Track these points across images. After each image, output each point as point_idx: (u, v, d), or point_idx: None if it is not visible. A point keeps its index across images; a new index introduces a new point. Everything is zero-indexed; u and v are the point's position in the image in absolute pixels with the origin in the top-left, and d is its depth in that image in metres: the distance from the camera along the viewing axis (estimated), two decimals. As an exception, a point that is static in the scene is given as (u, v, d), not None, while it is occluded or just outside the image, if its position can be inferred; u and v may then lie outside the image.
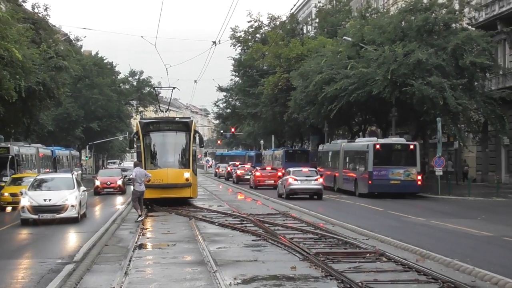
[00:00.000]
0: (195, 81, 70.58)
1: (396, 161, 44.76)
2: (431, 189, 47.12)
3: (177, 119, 42.11)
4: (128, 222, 29.00)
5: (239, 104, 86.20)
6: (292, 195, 42.53)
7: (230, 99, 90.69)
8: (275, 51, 70.31)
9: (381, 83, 45.93)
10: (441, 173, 45.81)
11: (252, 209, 34.62)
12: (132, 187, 31.30)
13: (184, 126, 37.74)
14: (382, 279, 14.83)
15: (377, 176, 43.60)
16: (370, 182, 43.94)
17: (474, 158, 56.70)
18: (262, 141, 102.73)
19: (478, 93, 47.88)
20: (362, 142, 49.04)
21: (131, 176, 32.87)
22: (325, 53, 55.96)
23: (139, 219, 28.83)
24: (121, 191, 50.20)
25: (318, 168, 51.12)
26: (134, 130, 39.03)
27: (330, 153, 55.28)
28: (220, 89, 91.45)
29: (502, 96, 46.01)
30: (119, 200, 44.15)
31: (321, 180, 43.31)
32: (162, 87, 47.88)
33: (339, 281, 14.62)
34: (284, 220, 28.51)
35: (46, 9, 53.90)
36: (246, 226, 25.60)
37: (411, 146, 45.00)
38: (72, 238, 24.35)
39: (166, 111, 50.32)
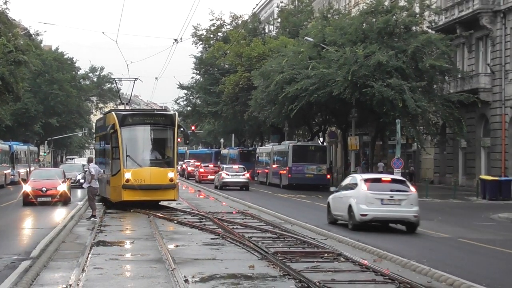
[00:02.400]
0: (156, 78, 70.33)
1: (311, 159, 54.42)
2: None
3: (158, 112, 38.47)
4: (86, 219, 28.76)
5: (199, 102, 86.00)
6: (225, 186, 51.68)
7: (191, 97, 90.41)
8: (237, 50, 70.28)
9: (341, 84, 46.15)
10: (399, 175, 46.08)
11: (211, 207, 34.60)
12: (87, 185, 29.38)
13: (168, 119, 33.50)
14: (339, 279, 14.89)
15: (295, 171, 53.22)
16: (289, 175, 53.77)
17: (432, 160, 57.22)
18: (222, 140, 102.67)
19: (437, 96, 48.38)
20: (285, 144, 58.15)
21: (91, 173, 29.49)
22: (287, 53, 56.05)
23: (93, 219, 27.95)
24: (64, 200, 35.64)
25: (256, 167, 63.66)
26: (109, 122, 33.79)
27: (264, 154, 65.34)
28: (181, 87, 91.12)
29: (460, 99, 46.49)
30: (60, 216, 29.83)
31: (247, 175, 53.57)
32: (123, 78, 44.41)
33: (297, 280, 14.65)
34: (243, 219, 28.49)
35: (5, 3, 53.21)
36: (205, 225, 25.55)
37: (323, 148, 57.96)
38: (29, 234, 24.06)
39: (127, 104, 45.54)
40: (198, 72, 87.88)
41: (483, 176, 42.96)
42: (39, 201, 35.00)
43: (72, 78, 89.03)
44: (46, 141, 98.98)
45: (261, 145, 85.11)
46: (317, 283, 14.02)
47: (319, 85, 47.93)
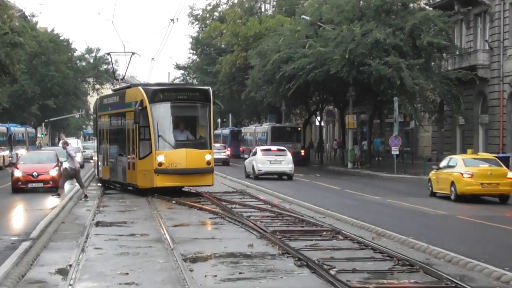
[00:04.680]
0: (153, 58, 70.19)
1: (287, 139, 57.75)
2: (387, 167, 47.59)
3: (192, 86, 35.70)
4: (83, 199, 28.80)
5: (196, 83, 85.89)
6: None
7: (187, 77, 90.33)
8: (233, 30, 70.12)
9: (338, 62, 46.09)
10: (397, 152, 46.30)
11: (210, 187, 34.55)
12: (67, 165, 28.75)
13: (203, 95, 29.91)
14: (338, 256, 14.98)
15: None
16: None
17: (429, 138, 57.24)
18: (219, 120, 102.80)
19: (434, 73, 48.34)
20: (265, 125, 64.74)
21: (71, 155, 28.66)
22: (283, 32, 55.94)
23: (55, 195, 27.56)
24: (56, 185, 31.03)
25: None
26: (132, 99, 30.25)
27: (248, 134, 70.05)
28: (178, 67, 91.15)
29: (458, 76, 46.44)
30: (52, 203, 26.99)
31: (228, 152, 59.31)
32: (120, 52, 41.53)
33: (296, 258, 14.74)
34: (241, 198, 28.58)
35: (0, -16, 53.03)
36: (203, 204, 25.61)
37: (298, 129, 62.62)
38: (28, 216, 24.11)
39: (121, 79, 42.51)
40: (194, 52, 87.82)
41: (481, 153, 42.98)
42: (30, 187, 31.60)
43: (69, 59, 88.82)
44: (43, 123, 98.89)
45: (259, 125, 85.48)
46: (316, 261, 14.11)
47: (316, 64, 47.87)
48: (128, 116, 30.57)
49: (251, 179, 40.03)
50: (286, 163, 41.18)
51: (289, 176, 41.03)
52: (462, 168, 29.13)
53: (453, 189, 29.05)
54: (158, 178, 28.21)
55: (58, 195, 28.03)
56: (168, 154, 28.42)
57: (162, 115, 29.15)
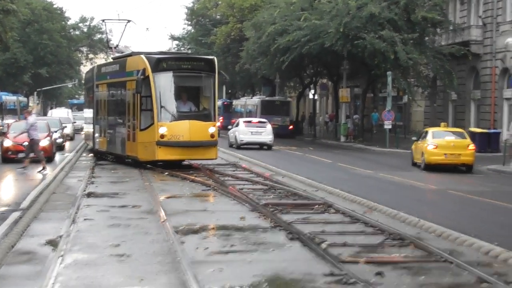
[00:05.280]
0: (147, 28, 69.88)
1: (276, 112, 59.51)
2: (379, 141, 47.66)
3: (196, 56, 33.86)
4: (77, 170, 28.71)
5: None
6: None
7: (182, 48, 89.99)
8: (229, 1, 69.86)
9: (333, 35, 45.96)
10: (390, 127, 46.37)
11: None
12: (34, 138, 27.82)
13: (208, 65, 28.59)
14: (330, 230, 14.97)
15: None
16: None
17: (422, 113, 57.29)
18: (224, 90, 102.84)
19: (428, 48, 48.29)
20: (255, 98, 66.69)
21: (28, 127, 27.90)
22: (279, 4, 55.69)
23: (43, 171, 26.77)
24: (47, 156, 30.78)
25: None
26: (133, 67, 28.91)
27: (239, 106, 70.85)
28: (173, 37, 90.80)
29: (452, 51, 46.42)
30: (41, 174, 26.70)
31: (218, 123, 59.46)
32: (115, 20, 39.66)
33: (288, 231, 14.72)
34: (234, 171, 28.51)
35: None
36: (196, 176, 25.52)
37: (287, 102, 64.23)
38: (18, 186, 24.03)
39: (115, 48, 41.15)
40: (189, 23, 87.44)
41: (473, 129, 43.13)
42: (20, 157, 30.09)
43: (62, 28, 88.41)
44: (35, 92, 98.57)
45: (250, 98, 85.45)
46: (308, 234, 14.10)
47: (311, 36, 47.73)
48: (129, 86, 29.40)
49: (235, 149, 42.20)
50: (266, 134, 43.66)
51: (268, 146, 43.48)
52: (430, 139, 31.67)
53: (423, 159, 31.63)
54: (160, 151, 27.16)
55: (24, 167, 27.27)
56: (170, 125, 27.22)
57: (165, 85, 27.77)
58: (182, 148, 27.50)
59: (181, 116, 27.66)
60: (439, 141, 31.51)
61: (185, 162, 30.02)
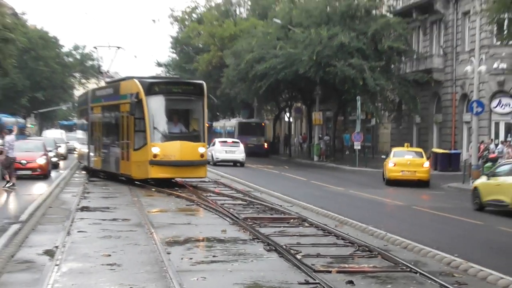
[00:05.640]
0: (135, 56, 69.86)
1: (252, 133, 59.61)
2: (350, 161, 47.80)
3: (187, 80, 34.14)
4: (71, 186, 28.64)
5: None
6: None
7: (167, 74, 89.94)
8: (210, 31, 69.91)
9: (307, 63, 46.15)
10: (359, 147, 46.51)
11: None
12: (10, 156, 27.15)
13: (198, 89, 28.40)
14: (304, 242, 15.04)
15: (241, 142, 51.10)
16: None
17: (389, 134, 57.48)
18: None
19: (394, 75, 48.64)
20: (233, 120, 66.38)
21: (7, 145, 27.49)
22: (256, 34, 55.87)
23: (7, 185, 26.20)
24: (44, 173, 31.55)
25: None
26: (127, 91, 28.56)
27: (218, 127, 70.64)
28: (158, 64, 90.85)
29: (416, 78, 46.73)
30: (40, 189, 26.76)
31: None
32: (107, 46, 39.46)
33: (265, 243, 14.77)
34: (215, 187, 28.52)
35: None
36: (181, 192, 25.52)
37: (262, 124, 63.46)
38: (17, 200, 23.90)
39: (106, 72, 40.61)
40: (174, 51, 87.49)
41: (435, 149, 43.38)
42: (18, 174, 29.57)
43: (57, 55, 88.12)
44: (32, 114, 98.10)
45: (228, 120, 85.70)
46: (284, 246, 14.15)
47: (286, 64, 47.87)
48: (123, 108, 29.05)
49: (211, 166, 40.78)
50: (239, 152, 45.54)
51: (241, 164, 45.06)
52: (391, 158, 33.51)
53: (385, 175, 33.56)
54: (152, 169, 26.82)
55: (13, 184, 26.57)
56: (163, 146, 26.91)
57: (157, 107, 27.51)
58: (174, 167, 27.14)
59: (172, 137, 27.38)
60: (397, 160, 33.00)
61: (172, 180, 29.86)
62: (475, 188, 23.92)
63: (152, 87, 27.59)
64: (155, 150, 26.73)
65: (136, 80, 28.30)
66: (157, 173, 27.01)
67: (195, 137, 27.87)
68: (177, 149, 26.98)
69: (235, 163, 44.79)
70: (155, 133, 27.07)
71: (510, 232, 18.75)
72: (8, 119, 66.00)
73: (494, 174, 23.40)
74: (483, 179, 24.08)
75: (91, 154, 34.56)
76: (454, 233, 18.43)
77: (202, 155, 27.57)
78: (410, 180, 32.35)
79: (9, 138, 28.09)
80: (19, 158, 30.59)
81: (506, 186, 21.97)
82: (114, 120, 30.85)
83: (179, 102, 28.51)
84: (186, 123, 28.61)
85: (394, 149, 36.00)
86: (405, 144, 37.60)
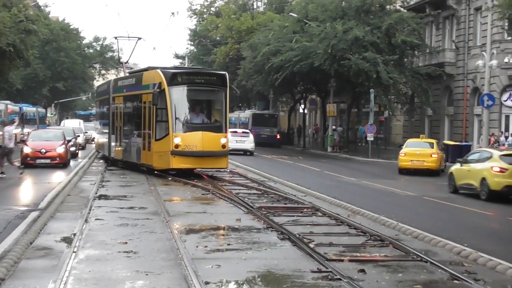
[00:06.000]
0: (154, 48, 69.83)
1: (265, 124, 59.73)
2: (362, 152, 47.66)
3: (210, 71, 32.96)
4: (89, 175, 28.67)
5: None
6: None
7: (185, 66, 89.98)
8: (228, 24, 69.81)
9: (322, 56, 46.00)
10: (372, 139, 46.36)
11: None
12: (8, 146, 27.00)
13: (220, 80, 27.84)
14: (317, 231, 14.98)
15: (255, 132, 53.78)
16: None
17: (401, 126, 57.29)
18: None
19: (407, 68, 48.36)
20: (248, 112, 66.50)
21: (6, 135, 27.30)
22: (273, 27, 55.71)
23: (0, 175, 26.20)
24: (63, 162, 31.57)
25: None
26: (150, 81, 28.09)
27: (233, 118, 67.97)
28: (177, 56, 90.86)
29: (428, 72, 46.48)
30: (59, 177, 26.65)
31: None
32: (127, 37, 38.85)
33: (279, 232, 14.72)
34: (231, 177, 28.47)
35: (16, -24, 52.43)
36: (197, 182, 25.47)
37: (275, 115, 63.58)
38: (36, 188, 23.95)
39: (126, 63, 40.16)
40: (192, 43, 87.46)
41: (446, 141, 43.18)
42: (38, 162, 30.73)
43: (77, 46, 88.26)
44: (53, 104, 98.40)
45: (243, 111, 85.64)
46: (297, 235, 14.10)
47: (301, 57, 47.73)
48: (145, 98, 28.48)
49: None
50: (248, 142, 46.06)
51: (250, 153, 45.72)
52: (404, 148, 34.82)
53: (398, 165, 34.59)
54: (174, 160, 26.21)
55: (3, 173, 26.57)
56: (184, 136, 26.30)
57: (179, 98, 26.92)
58: (195, 158, 26.54)
59: (194, 127, 26.80)
60: (408, 150, 34.20)
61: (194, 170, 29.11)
62: (451, 173, 26.41)
63: (175, 77, 26.99)
64: (177, 140, 26.20)
65: (159, 71, 27.80)
66: (178, 163, 26.39)
67: (217, 128, 27.32)
68: (199, 140, 26.41)
69: (245, 152, 45.10)
70: (177, 124, 26.52)
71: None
72: (29, 109, 66.43)
73: (466, 161, 25.84)
74: (457, 166, 26.29)
75: (112, 144, 34.01)
76: (464, 223, 18.36)
77: (223, 146, 27.00)
78: (419, 169, 33.24)
79: (8, 128, 27.87)
80: (39, 147, 31.02)
81: (474, 171, 24.55)
82: (136, 110, 30.33)
83: (202, 93, 27.89)
84: (208, 114, 28.09)
85: (409, 140, 37.16)
86: (421, 136, 38.90)
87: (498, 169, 23.47)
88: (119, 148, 32.72)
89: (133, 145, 30.19)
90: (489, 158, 24.39)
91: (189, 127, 26.72)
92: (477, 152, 26.69)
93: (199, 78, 27.73)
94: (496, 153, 24.69)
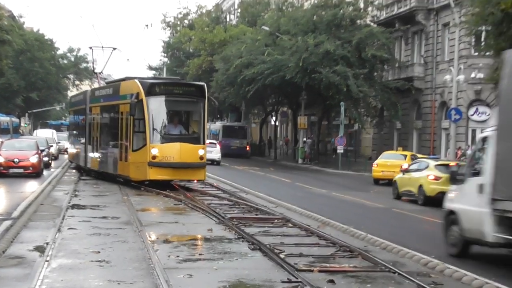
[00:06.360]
0: (128, 59, 69.57)
1: (235, 136, 60.55)
2: (333, 164, 47.83)
3: (188, 82, 31.76)
4: (63, 184, 28.45)
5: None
6: None
7: (163, 76, 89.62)
8: (201, 36, 69.77)
9: (293, 69, 46.19)
10: (342, 151, 46.57)
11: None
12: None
13: (199, 91, 27.17)
14: (288, 242, 15.00)
15: (225, 144, 56.52)
16: (220, 146, 52.72)
17: (370, 139, 57.60)
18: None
19: (377, 82, 48.73)
20: (218, 123, 66.24)
21: None
22: (245, 40, 55.80)
23: None
24: (36, 172, 31.18)
25: None
26: (127, 91, 27.33)
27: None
28: (150, 68, 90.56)
29: (397, 86, 46.86)
30: (32, 187, 26.43)
31: None
32: (103, 47, 38.64)
33: (250, 242, 14.73)
34: (203, 187, 28.37)
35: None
36: (169, 192, 25.33)
37: (244, 127, 64.30)
38: (9, 197, 23.73)
39: (100, 73, 39.69)
40: (165, 55, 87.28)
41: (415, 154, 43.50)
42: (11, 172, 30.48)
43: (52, 57, 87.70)
44: (27, 114, 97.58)
45: (213, 123, 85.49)
46: (268, 245, 14.11)
47: (273, 69, 47.87)
48: (122, 108, 27.74)
49: None
50: (215, 153, 46.47)
51: (217, 162, 46.39)
52: (378, 160, 36.71)
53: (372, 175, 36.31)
54: (151, 171, 25.52)
55: None
56: (162, 147, 25.63)
57: (157, 108, 26.26)
58: (173, 169, 25.91)
59: (172, 138, 26.21)
60: (380, 161, 35.89)
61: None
62: (395, 181, 28.60)
63: (152, 87, 26.40)
64: (154, 151, 25.54)
65: (136, 81, 27.24)
66: (155, 174, 25.70)
67: (195, 139, 26.74)
68: (177, 151, 25.80)
69: (212, 162, 44.26)
70: (154, 134, 25.87)
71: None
72: (3, 118, 65.66)
73: (408, 170, 28.11)
74: (400, 174, 28.67)
75: (89, 154, 33.25)
76: (431, 235, 18.40)
77: (201, 157, 26.34)
78: (389, 179, 33.25)
79: None
80: (12, 156, 30.77)
81: (414, 179, 26.79)
82: (113, 120, 29.65)
83: (180, 104, 27.29)
84: (186, 125, 27.52)
85: (385, 152, 39.07)
86: (399, 148, 41.31)
87: (433, 177, 25.72)
88: (96, 159, 31.98)
89: (110, 156, 29.57)
90: (426, 167, 26.68)
91: (167, 138, 26.15)
92: (417, 162, 28.79)
93: (177, 88, 27.22)
94: (432, 163, 27.04)
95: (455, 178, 15.27)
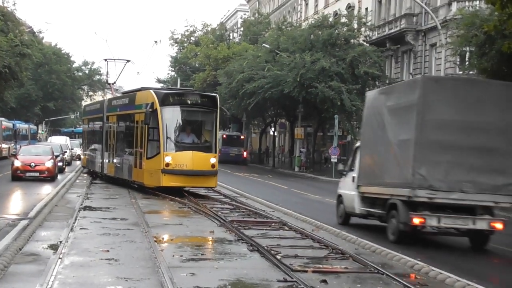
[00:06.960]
0: (138, 72, 69.52)
1: (234, 144, 62.24)
2: (327, 172, 47.83)
3: (201, 92, 31.79)
4: (76, 188, 28.45)
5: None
6: None
7: (177, 87, 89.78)
8: (206, 52, 70.00)
9: (291, 84, 46.30)
10: (335, 160, 46.48)
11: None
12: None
13: (211, 101, 26.64)
14: (284, 244, 14.96)
15: (224, 151, 56.20)
16: (219, 154, 49.79)
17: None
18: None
19: (368, 97, 48.74)
20: (218, 133, 62.11)
21: None
22: (247, 57, 55.97)
23: None
24: (51, 175, 31.23)
25: None
26: (143, 101, 26.92)
27: None
28: (158, 80, 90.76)
29: (388, 101, 46.91)
30: (47, 189, 26.75)
31: None
32: (117, 59, 38.63)
33: (249, 244, 14.69)
34: (206, 192, 28.30)
35: (14, 4, 52.24)
36: (174, 196, 25.28)
37: (241, 137, 65.25)
38: (26, 199, 23.74)
39: (113, 84, 39.37)
40: (173, 69, 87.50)
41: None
42: (27, 175, 30.46)
43: (68, 69, 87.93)
44: (44, 121, 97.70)
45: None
46: (265, 247, 14.08)
47: (272, 84, 47.99)
48: (138, 117, 27.27)
49: None
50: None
51: None
52: None
53: None
54: (164, 178, 24.98)
55: None
56: (175, 155, 25.05)
57: (171, 118, 25.65)
58: (185, 176, 25.28)
59: (185, 147, 25.62)
60: None
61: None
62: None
63: (167, 98, 25.88)
64: (168, 159, 24.98)
65: (151, 91, 26.83)
66: (168, 181, 25.09)
67: (207, 148, 26.11)
68: (189, 159, 25.17)
69: None
70: (168, 143, 25.27)
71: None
72: (22, 126, 65.85)
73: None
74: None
75: (105, 161, 32.73)
76: (417, 239, 18.37)
77: (213, 165, 25.69)
78: None
79: None
80: (29, 161, 30.82)
81: None
82: (129, 128, 29.18)
83: (193, 114, 26.64)
84: (199, 134, 26.81)
85: None
86: None
87: None
88: (112, 165, 31.46)
89: (125, 163, 29.08)
90: None
91: (180, 146, 25.58)
92: None
93: (191, 99, 26.55)
94: None
95: (341, 173, 20.68)
